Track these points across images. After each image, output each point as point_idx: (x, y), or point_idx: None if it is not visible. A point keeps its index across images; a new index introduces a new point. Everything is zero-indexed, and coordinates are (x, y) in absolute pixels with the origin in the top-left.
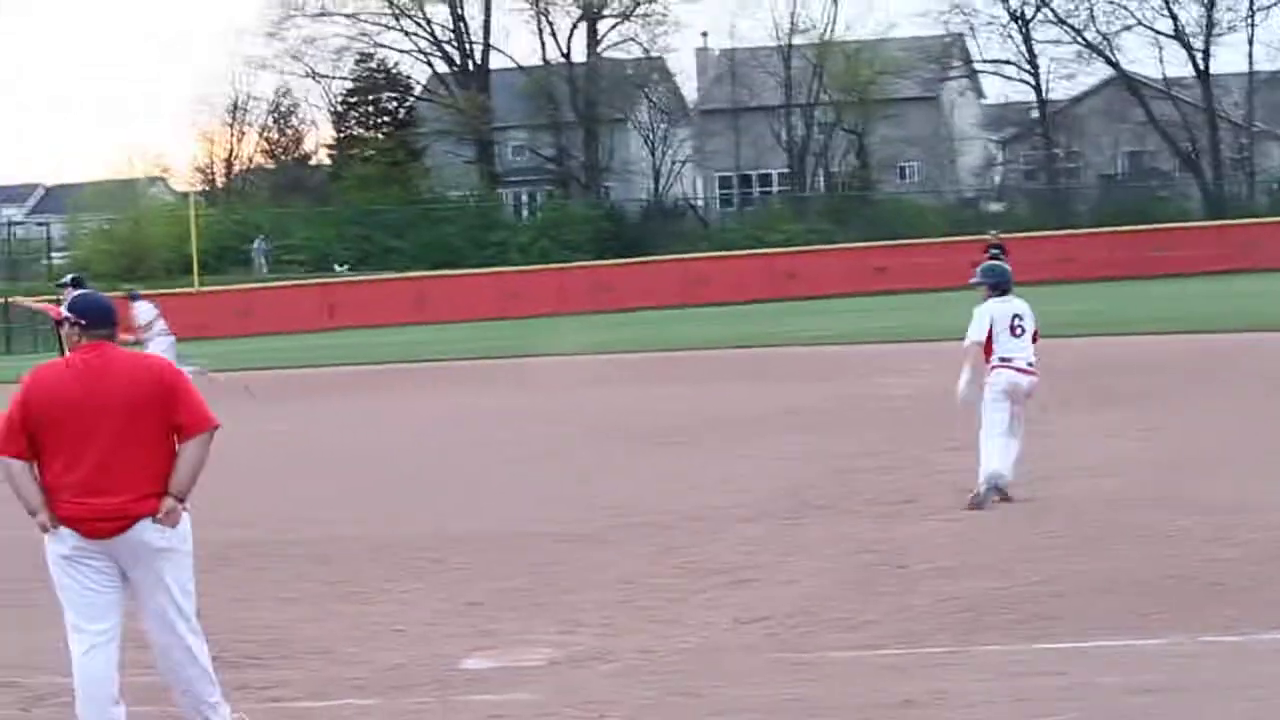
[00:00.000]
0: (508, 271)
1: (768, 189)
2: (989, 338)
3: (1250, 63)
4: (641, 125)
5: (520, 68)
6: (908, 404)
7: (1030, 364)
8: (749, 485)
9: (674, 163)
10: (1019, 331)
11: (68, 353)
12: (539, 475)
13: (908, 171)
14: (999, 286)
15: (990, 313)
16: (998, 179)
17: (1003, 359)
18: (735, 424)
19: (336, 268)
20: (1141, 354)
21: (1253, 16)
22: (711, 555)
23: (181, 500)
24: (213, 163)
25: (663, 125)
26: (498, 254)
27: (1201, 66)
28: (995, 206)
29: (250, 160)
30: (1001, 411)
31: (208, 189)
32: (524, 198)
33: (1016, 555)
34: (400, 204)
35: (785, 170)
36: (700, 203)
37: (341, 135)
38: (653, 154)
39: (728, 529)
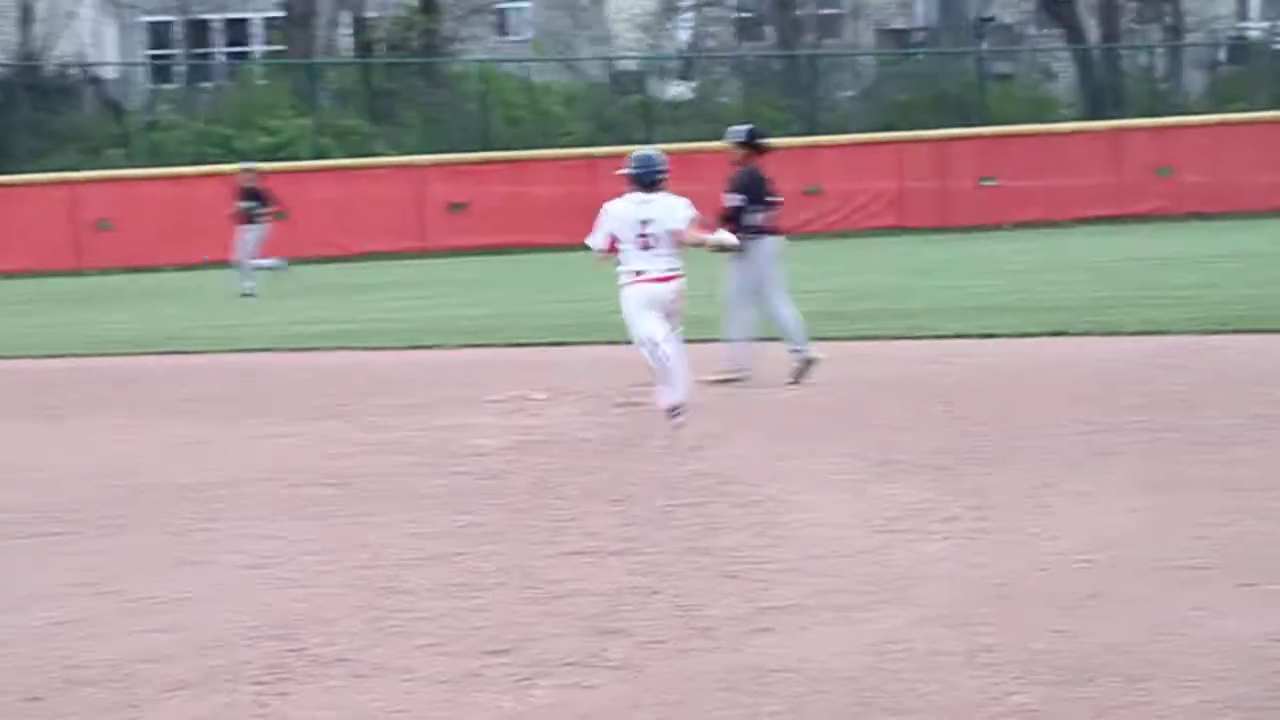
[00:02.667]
0: None
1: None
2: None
3: None
4: None
5: None
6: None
7: (670, 270)
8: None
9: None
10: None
11: None
12: None
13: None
14: (641, 179)
15: (611, 213)
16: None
17: (636, 271)
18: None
19: None
20: None
21: None
22: None
23: None
24: None
25: None
26: None
27: None
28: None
29: None
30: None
31: None
32: None
33: None
34: None
35: (279, 15)
36: (113, 74)
37: None
38: None
39: None
